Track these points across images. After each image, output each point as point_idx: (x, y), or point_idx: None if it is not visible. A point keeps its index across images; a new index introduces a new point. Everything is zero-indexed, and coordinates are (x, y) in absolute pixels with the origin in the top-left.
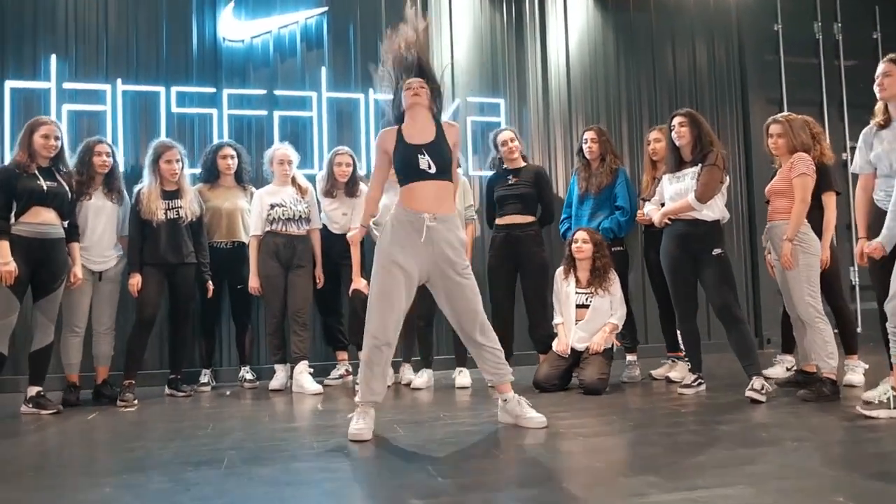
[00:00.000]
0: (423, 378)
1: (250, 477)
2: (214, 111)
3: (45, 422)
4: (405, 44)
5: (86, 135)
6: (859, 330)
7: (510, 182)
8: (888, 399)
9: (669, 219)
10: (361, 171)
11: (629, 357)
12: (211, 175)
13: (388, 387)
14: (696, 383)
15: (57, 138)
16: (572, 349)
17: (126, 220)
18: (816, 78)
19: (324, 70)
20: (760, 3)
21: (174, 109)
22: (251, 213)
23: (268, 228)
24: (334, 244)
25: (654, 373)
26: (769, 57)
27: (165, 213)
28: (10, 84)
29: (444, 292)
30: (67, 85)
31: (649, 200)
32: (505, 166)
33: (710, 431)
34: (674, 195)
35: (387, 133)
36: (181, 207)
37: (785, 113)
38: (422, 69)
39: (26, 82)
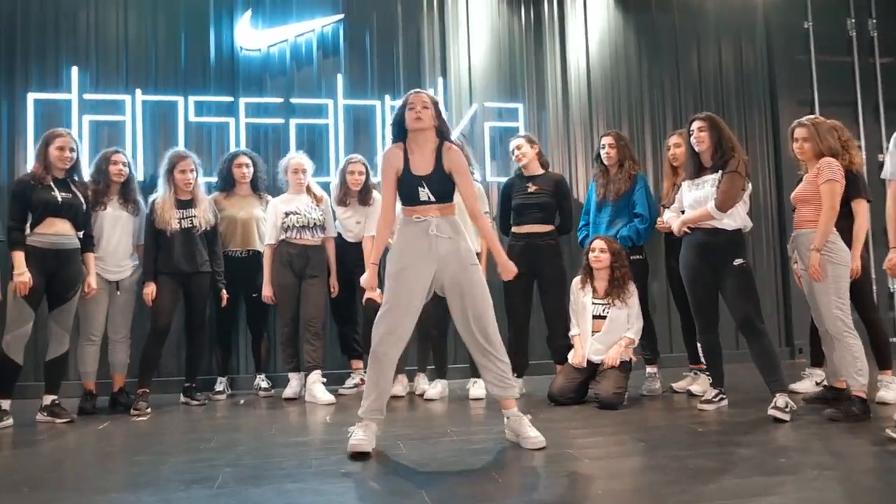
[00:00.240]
0: (436, 389)
1: (239, 498)
2: (231, 120)
3: (57, 430)
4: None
5: (106, 145)
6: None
7: (529, 190)
8: None
9: (689, 227)
10: (375, 179)
11: (649, 369)
12: (226, 184)
13: (402, 397)
14: (717, 398)
15: (72, 150)
16: (588, 361)
17: (143, 229)
18: (850, 77)
19: (340, 77)
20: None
21: (192, 119)
22: (266, 222)
23: (282, 237)
24: (348, 252)
25: (676, 386)
26: (799, 56)
27: (179, 223)
28: (33, 96)
29: (454, 292)
30: (88, 96)
31: (669, 207)
32: (523, 173)
33: (725, 455)
34: (693, 203)
35: (394, 153)
36: (195, 217)
37: (811, 116)
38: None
39: (49, 94)
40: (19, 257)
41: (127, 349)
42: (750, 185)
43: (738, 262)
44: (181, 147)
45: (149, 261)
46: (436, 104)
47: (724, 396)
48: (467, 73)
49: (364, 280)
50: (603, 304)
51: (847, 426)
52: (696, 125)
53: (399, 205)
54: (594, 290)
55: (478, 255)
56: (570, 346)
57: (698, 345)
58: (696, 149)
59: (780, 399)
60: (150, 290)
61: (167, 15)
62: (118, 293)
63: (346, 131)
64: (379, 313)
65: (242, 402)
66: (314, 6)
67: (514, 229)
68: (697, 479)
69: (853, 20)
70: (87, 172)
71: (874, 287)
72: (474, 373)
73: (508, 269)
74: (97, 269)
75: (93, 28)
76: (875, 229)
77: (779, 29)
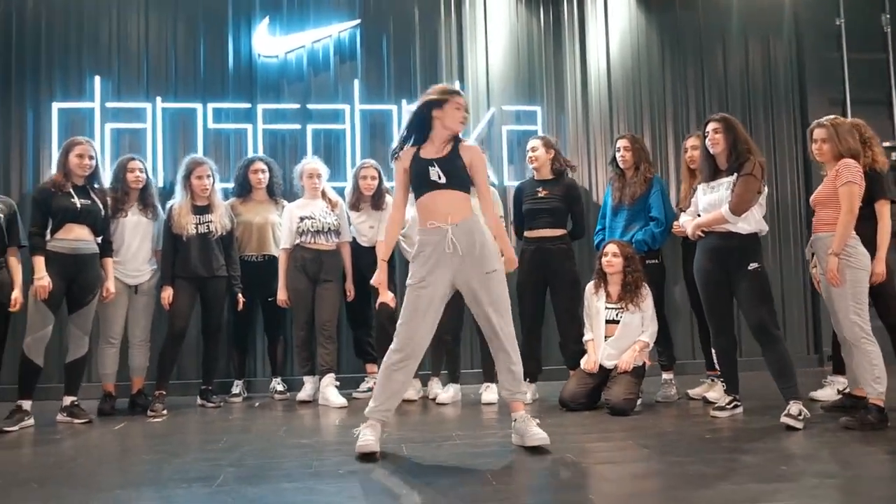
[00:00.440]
0: (448, 393)
1: (235, 497)
2: (249, 126)
3: (75, 430)
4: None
5: (127, 152)
6: None
7: (539, 195)
8: None
9: (703, 231)
10: (388, 184)
11: (665, 375)
12: (243, 189)
13: (414, 401)
14: (730, 405)
15: (91, 157)
16: (601, 366)
17: (161, 234)
18: (884, 75)
19: (356, 82)
20: None
21: (210, 125)
22: (282, 227)
23: (297, 241)
24: (363, 257)
25: (692, 392)
26: (830, 54)
27: (196, 228)
28: (57, 105)
29: (471, 297)
30: (110, 104)
31: (686, 211)
32: (534, 177)
33: (728, 462)
34: (707, 206)
35: (404, 153)
36: (211, 222)
37: (831, 116)
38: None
39: (72, 103)
40: (39, 262)
41: (146, 352)
42: (766, 187)
43: (752, 266)
44: (200, 154)
45: (166, 265)
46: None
47: (739, 403)
48: (485, 76)
49: (375, 278)
50: (616, 309)
51: (862, 435)
52: (710, 126)
53: (417, 216)
54: (607, 295)
55: None
56: (584, 352)
57: (712, 350)
58: (711, 151)
59: (794, 407)
60: (168, 294)
61: (186, 24)
62: (137, 297)
63: (362, 136)
64: (398, 325)
65: (257, 404)
66: (331, 12)
67: (526, 233)
68: (693, 484)
69: (888, 16)
70: (108, 180)
71: None
72: (487, 378)
73: (512, 261)
74: (117, 273)
75: (115, 38)
76: None
77: (809, 26)
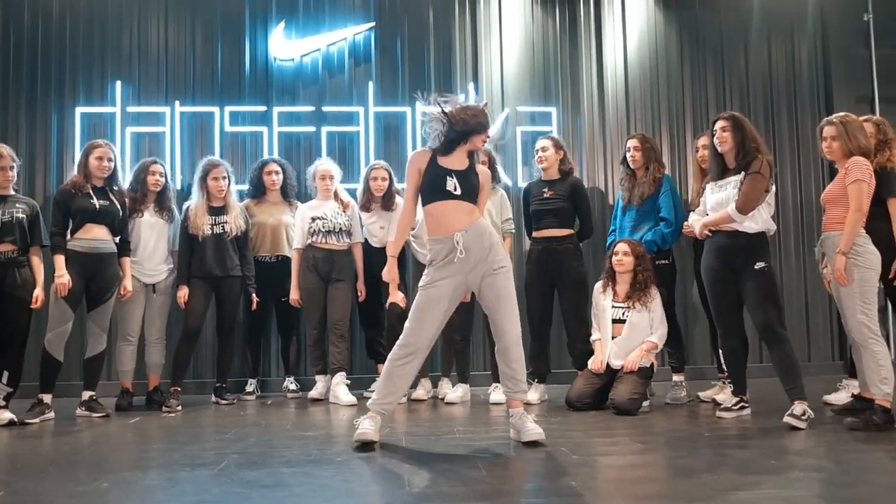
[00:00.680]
0: (457, 392)
1: (234, 479)
2: (265, 129)
3: (93, 424)
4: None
5: (147, 155)
6: None
7: (545, 195)
8: None
9: (710, 230)
10: (399, 185)
11: (675, 377)
12: (257, 191)
13: (424, 400)
14: (737, 406)
15: (110, 160)
16: (608, 366)
17: (177, 235)
18: None
19: (371, 85)
20: None
21: (227, 128)
22: (295, 228)
23: (309, 241)
24: (374, 257)
25: (702, 395)
26: (858, 50)
27: (212, 228)
28: (80, 110)
29: (482, 290)
30: (131, 108)
31: (695, 210)
32: (541, 177)
33: (717, 457)
34: (715, 205)
35: (421, 154)
36: (227, 223)
37: (840, 114)
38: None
39: (94, 107)
40: (60, 261)
41: (162, 350)
42: (773, 186)
43: (759, 265)
44: (217, 156)
45: (182, 265)
46: None
47: (746, 405)
48: (499, 77)
49: (384, 273)
50: (623, 308)
51: (866, 435)
52: (719, 125)
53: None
54: (615, 294)
55: None
56: (591, 352)
57: (719, 351)
58: (720, 149)
59: (798, 407)
60: (183, 293)
61: (204, 30)
62: (154, 296)
63: (376, 138)
64: (406, 325)
65: (270, 402)
66: (346, 15)
67: (533, 234)
68: (675, 475)
69: None
70: (127, 182)
71: None
72: (496, 378)
73: None
74: (134, 272)
75: (136, 44)
76: None
77: (835, 22)
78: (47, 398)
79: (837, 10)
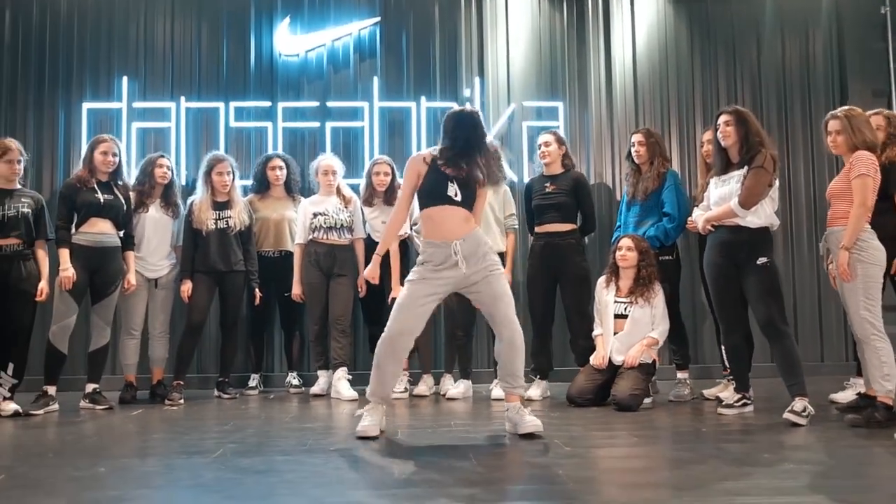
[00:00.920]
0: (459, 388)
1: (228, 466)
2: (269, 124)
3: (96, 415)
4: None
5: (153, 151)
6: None
7: (547, 190)
8: None
9: (713, 225)
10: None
11: (679, 374)
12: (261, 186)
13: (426, 396)
14: (739, 403)
15: (115, 154)
16: (610, 362)
17: (181, 231)
18: None
19: (376, 80)
20: None
21: (232, 124)
22: (297, 223)
23: (310, 237)
24: None
25: (707, 392)
26: (875, 44)
27: (215, 223)
28: (87, 105)
29: (475, 296)
30: (137, 104)
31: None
32: (544, 172)
33: (711, 451)
34: (718, 200)
35: (421, 158)
36: (230, 217)
37: (846, 107)
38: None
39: (101, 103)
40: (65, 254)
41: (165, 344)
42: (777, 181)
43: (761, 260)
44: (221, 151)
45: (186, 259)
46: None
47: (749, 402)
48: (505, 72)
49: (366, 271)
50: (625, 303)
51: (866, 432)
52: (722, 119)
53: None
54: (618, 289)
55: (500, 255)
56: (593, 348)
57: (722, 348)
58: (723, 143)
59: (799, 403)
60: (187, 287)
61: (210, 26)
62: (157, 290)
63: (381, 133)
64: (390, 316)
65: (272, 396)
66: (351, 10)
67: (535, 229)
68: (665, 466)
69: None
70: (133, 177)
71: None
72: (497, 374)
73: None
74: (138, 267)
75: (142, 40)
76: None
77: (851, 15)
78: (52, 390)
79: (853, 2)
